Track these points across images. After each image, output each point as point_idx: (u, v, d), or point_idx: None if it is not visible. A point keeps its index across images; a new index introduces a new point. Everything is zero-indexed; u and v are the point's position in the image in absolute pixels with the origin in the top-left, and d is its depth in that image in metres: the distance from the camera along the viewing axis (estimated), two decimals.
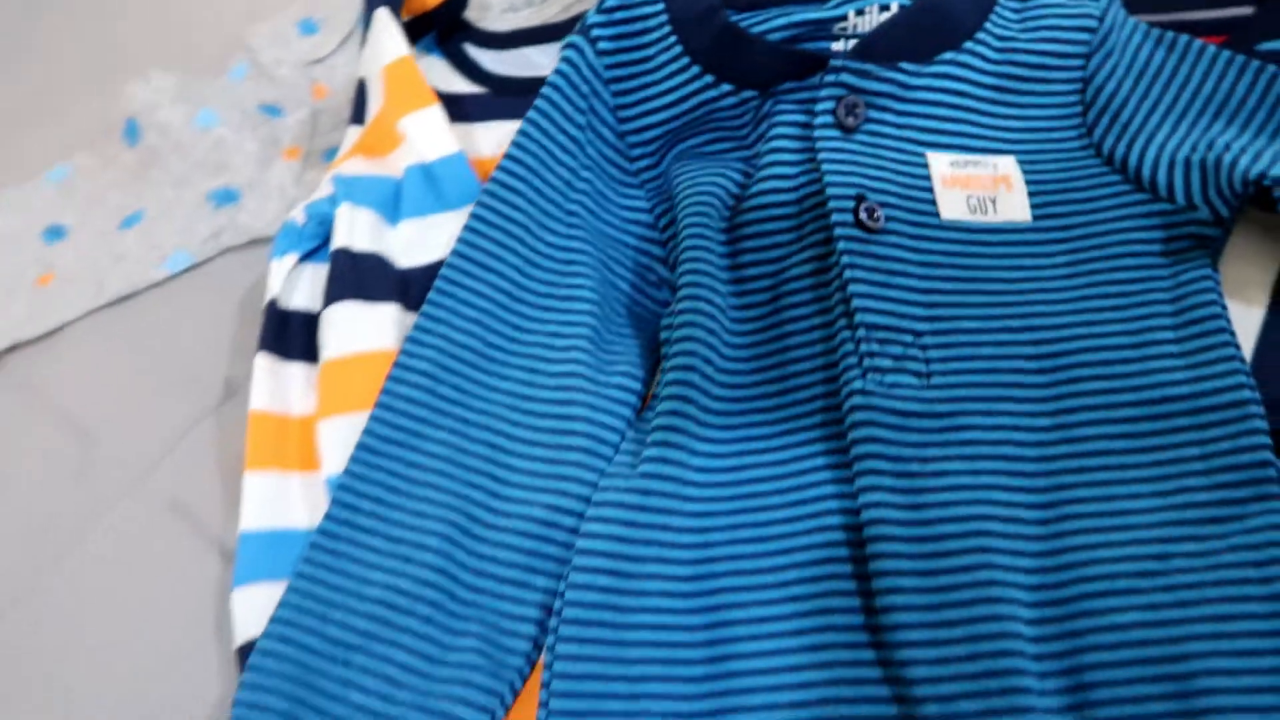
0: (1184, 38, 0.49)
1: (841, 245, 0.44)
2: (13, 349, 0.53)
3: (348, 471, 0.43)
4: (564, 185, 0.49)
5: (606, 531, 0.41)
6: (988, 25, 0.49)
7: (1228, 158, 0.45)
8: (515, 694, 0.41)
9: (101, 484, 0.49)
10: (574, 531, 0.42)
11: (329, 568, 0.42)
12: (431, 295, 0.47)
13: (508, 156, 0.49)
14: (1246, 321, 0.44)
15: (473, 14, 0.59)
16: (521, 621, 0.41)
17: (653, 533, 0.41)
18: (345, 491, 0.43)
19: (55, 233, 0.56)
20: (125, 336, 0.53)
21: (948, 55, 0.48)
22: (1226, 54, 0.48)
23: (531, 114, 0.49)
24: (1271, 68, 0.48)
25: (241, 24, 0.61)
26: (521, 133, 0.49)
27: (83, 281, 0.54)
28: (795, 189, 0.47)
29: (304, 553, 0.42)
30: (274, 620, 0.41)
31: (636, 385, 0.46)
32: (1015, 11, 0.50)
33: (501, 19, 0.60)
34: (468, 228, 0.48)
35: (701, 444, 0.43)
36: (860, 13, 0.49)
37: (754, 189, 0.47)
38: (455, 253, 0.47)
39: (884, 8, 0.49)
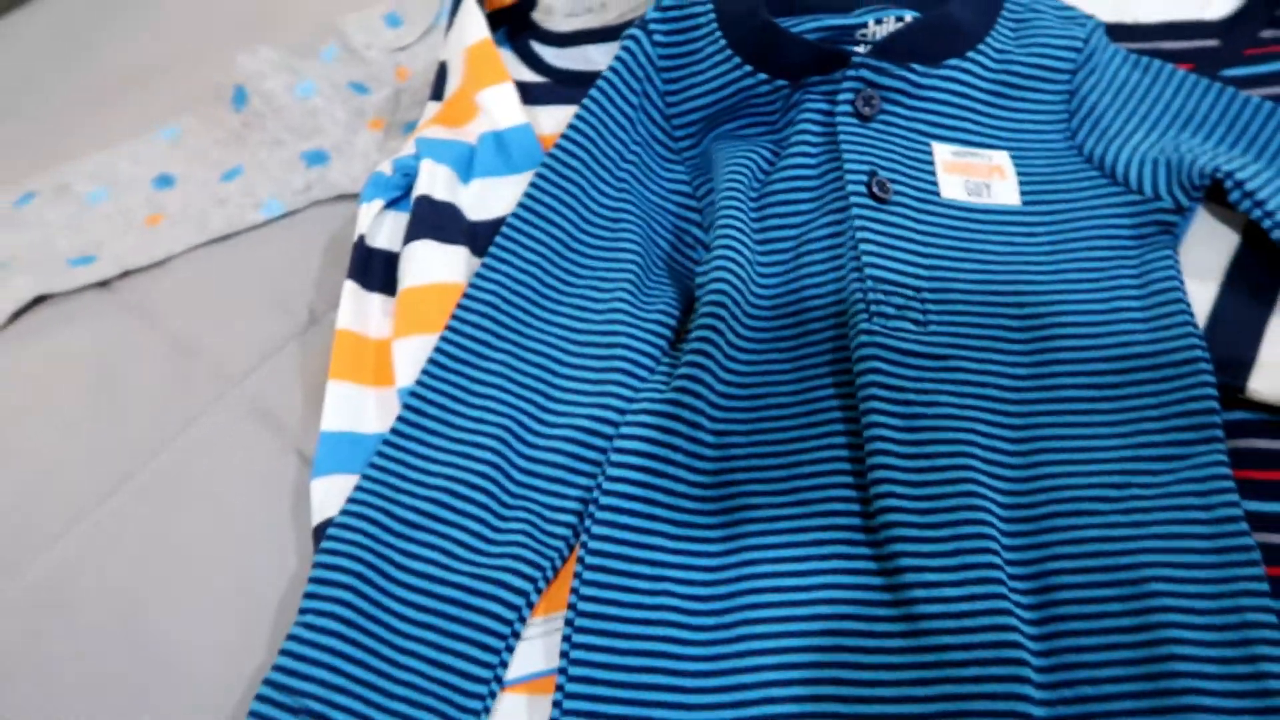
0: (1157, 62, 0.56)
1: (855, 211, 0.51)
2: (124, 275, 0.60)
3: (418, 382, 0.50)
4: (616, 156, 0.56)
5: (641, 434, 0.47)
6: (989, 38, 0.56)
7: (1189, 157, 0.52)
8: (556, 571, 0.47)
9: (198, 391, 0.55)
10: (612, 440, 0.49)
11: (399, 460, 0.48)
12: (498, 239, 0.54)
13: (570, 127, 0.56)
14: (1202, 297, 0.51)
15: (539, 16, 0.66)
16: (563, 512, 0.47)
17: (680, 440, 0.48)
18: (415, 399, 0.50)
19: (164, 180, 0.63)
20: (223, 268, 0.60)
21: (953, 61, 0.55)
22: (1193, 76, 0.56)
23: (592, 93, 0.57)
24: (1230, 89, 0.55)
25: (336, 13, 0.69)
26: (583, 108, 0.56)
27: (187, 222, 0.61)
28: (818, 165, 0.54)
29: (377, 448, 0.49)
30: (349, 501, 0.47)
31: (672, 322, 0.52)
32: (1013, 30, 0.57)
33: (564, 21, 0.67)
34: (532, 185, 0.55)
35: (726, 373, 0.49)
36: (879, 21, 0.56)
37: (782, 163, 0.54)
38: (520, 205, 0.54)
39: (899, 18, 0.56)
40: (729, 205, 0.53)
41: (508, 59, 0.64)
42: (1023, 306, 0.50)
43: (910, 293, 0.50)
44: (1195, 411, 0.47)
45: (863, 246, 0.50)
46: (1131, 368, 0.49)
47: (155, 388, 0.56)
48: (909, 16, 0.56)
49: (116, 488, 0.52)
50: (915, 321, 0.49)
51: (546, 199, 0.55)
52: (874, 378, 0.47)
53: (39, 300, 0.59)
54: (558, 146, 0.56)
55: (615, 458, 0.47)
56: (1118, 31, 0.60)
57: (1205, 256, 0.52)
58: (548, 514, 0.48)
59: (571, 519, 0.47)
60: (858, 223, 0.51)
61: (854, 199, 0.52)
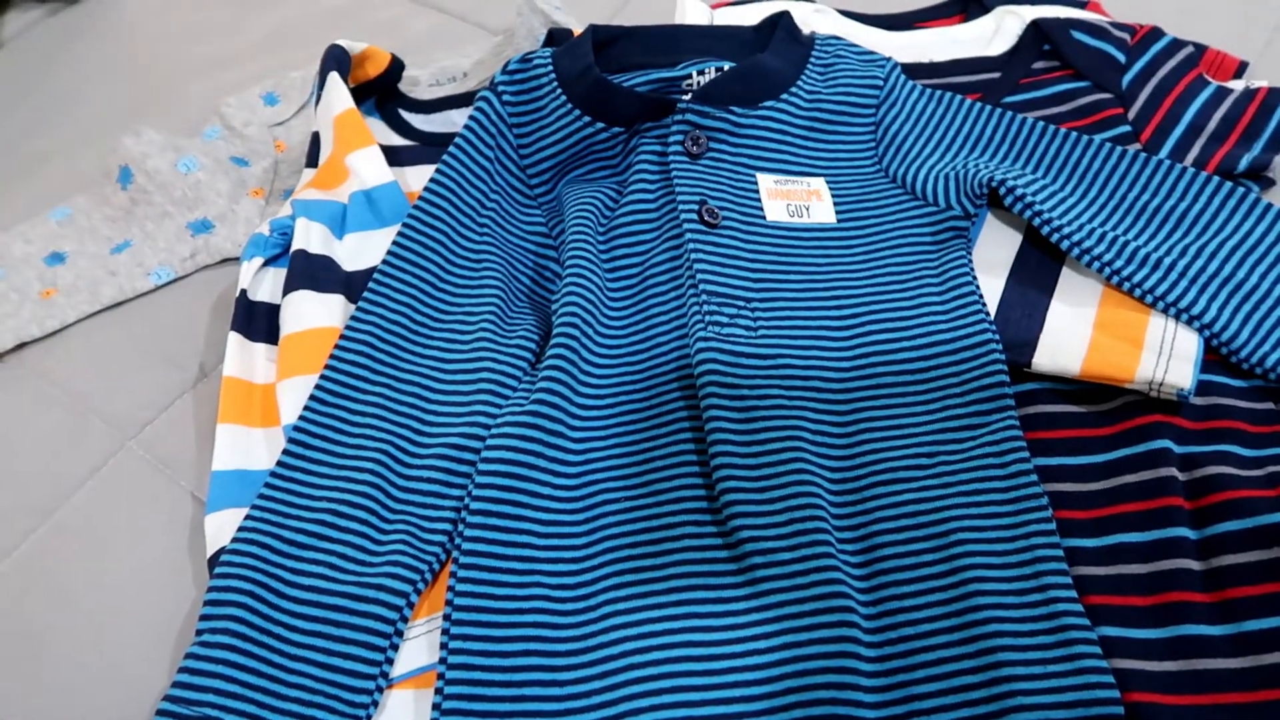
0: (949, 94, 0.64)
1: (689, 236, 0.57)
2: (19, 347, 0.62)
3: (301, 416, 0.53)
4: (476, 204, 0.61)
5: (506, 443, 0.51)
6: (800, 82, 0.62)
7: (971, 171, 0.59)
8: (434, 573, 0.50)
9: (96, 446, 0.57)
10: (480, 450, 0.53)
11: (285, 489, 0.51)
12: (371, 283, 0.58)
13: (432, 180, 0.61)
14: (993, 288, 0.57)
15: (405, 86, 0.71)
16: (439, 522, 0.51)
17: (541, 447, 0.51)
18: (299, 432, 0.53)
19: (56, 258, 0.65)
20: (116, 332, 0.62)
21: (769, 102, 0.61)
22: (979, 104, 0.63)
23: (451, 148, 0.61)
24: (1009, 113, 0.62)
25: (217, 95, 0.73)
26: (443, 162, 0.61)
27: (80, 293, 0.63)
28: (655, 199, 0.59)
29: (265, 480, 0.52)
30: (240, 529, 0.50)
31: (533, 346, 0.56)
32: (820, 74, 0.64)
33: (429, 91, 0.72)
34: (400, 234, 0.59)
35: (582, 385, 0.54)
36: (701, 72, 0.63)
37: (625, 200, 0.59)
38: (390, 252, 0.58)
39: (719, 68, 0.63)
40: (578, 240, 0.58)
41: (377, 126, 0.69)
42: (841, 308, 0.56)
43: (741, 303, 0.55)
44: (989, 385, 0.53)
45: (697, 266, 0.56)
46: (935, 354, 0.54)
47: (54, 446, 0.58)
48: (727, 67, 0.62)
49: (19, 542, 0.54)
50: (746, 328, 0.54)
51: (414, 245, 0.59)
52: (712, 377, 0.52)
53: None
54: (422, 197, 0.60)
55: (483, 467, 0.51)
56: (917, 70, 0.68)
57: (993, 253, 0.58)
58: (424, 524, 0.51)
59: (447, 527, 0.51)
60: (691, 245, 0.56)
61: (687, 225, 0.57)
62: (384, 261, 0.58)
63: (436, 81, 0.73)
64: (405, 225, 0.59)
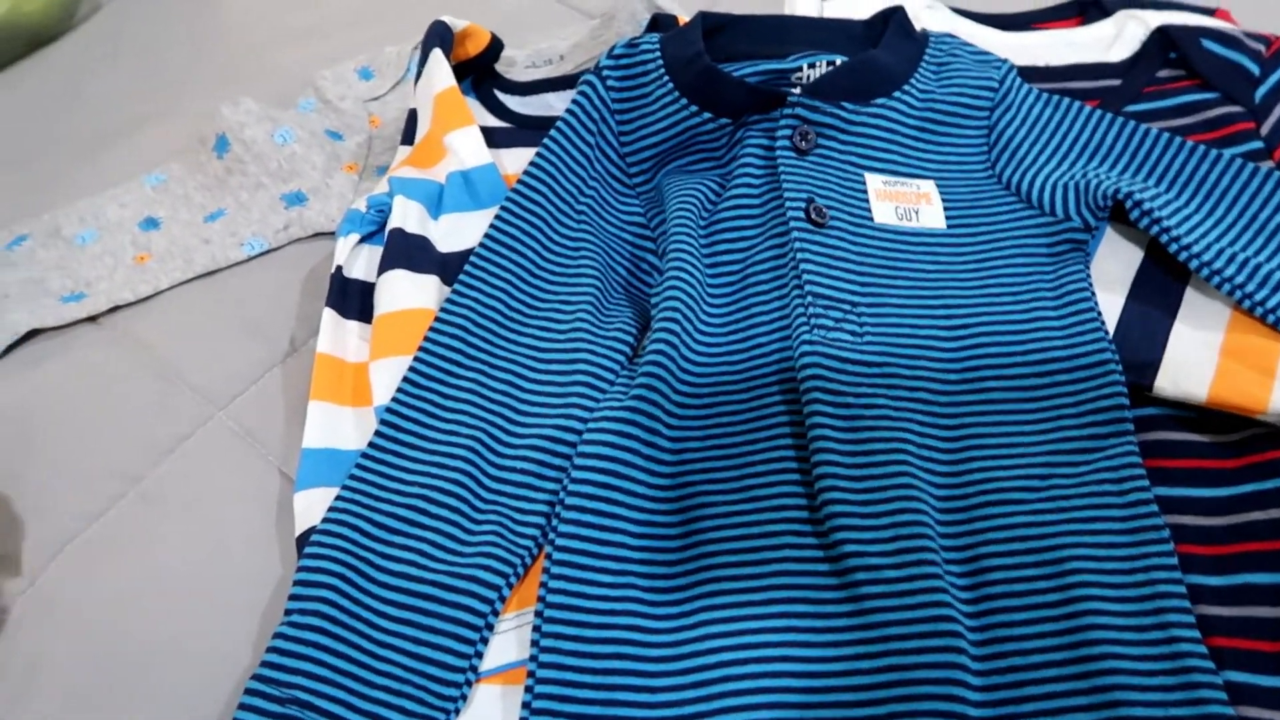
0: (1066, 99, 0.60)
1: (795, 234, 0.54)
2: (113, 310, 0.61)
3: (394, 400, 0.52)
4: (575, 190, 0.59)
5: (603, 439, 0.49)
6: (913, 80, 0.60)
7: (1094, 182, 0.55)
8: (526, 568, 0.48)
9: (185, 416, 0.56)
10: (575, 447, 0.51)
11: (376, 472, 0.50)
12: (466, 267, 0.56)
13: (531, 164, 0.59)
14: (1111, 305, 0.54)
15: (501, 67, 0.69)
16: (532, 514, 0.49)
17: (639, 444, 0.50)
18: (391, 414, 0.52)
19: (150, 223, 0.65)
20: (208, 302, 0.61)
21: (881, 100, 0.59)
22: (1099, 111, 0.60)
23: (552, 133, 0.59)
24: (1131, 122, 0.59)
25: (313, 68, 0.71)
26: (543, 147, 0.59)
27: (173, 259, 0.62)
28: (761, 194, 0.57)
29: (356, 461, 0.50)
30: (330, 510, 0.49)
31: (630, 339, 0.54)
32: (934, 73, 0.61)
33: (525, 72, 0.70)
34: (497, 218, 0.57)
35: (680, 383, 0.52)
36: (812, 65, 0.60)
37: (728, 194, 0.57)
38: (487, 236, 0.57)
39: (831, 62, 0.60)
40: (680, 232, 0.56)
41: (473, 106, 0.67)
42: (950, 317, 0.53)
43: (847, 307, 0.53)
44: (1108, 408, 0.50)
45: (803, 266, 0.53)
46: (1050, 370, 0.51)
47: (144, 413, 0.57)
48: (839, 61, 0.60)
49: (107, 507, 0.53)
50: (852, 333, 0.52)
51: (511, 230, 0.57)
52: (816, 383, 0.49)
53: (33, 334, 0.60)
54: (520, 182, 0.58)
55: (579, 461, 0.49)
56: (1031, 74, 0.65)
57: (1113, 269, 0.55)
58: (517, 516, 0.49)
59: (539, 520, 0.49)
60: (798, 244, 0.54)
61: (794, 224, 0.55)
62: (480, 246, 0.56)
63: (533, 63, 0.71)
64: (502, 209, 0.57)
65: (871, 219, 0.56)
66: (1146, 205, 0.54)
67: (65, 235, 0.64)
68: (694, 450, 0.51)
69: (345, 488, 0.49)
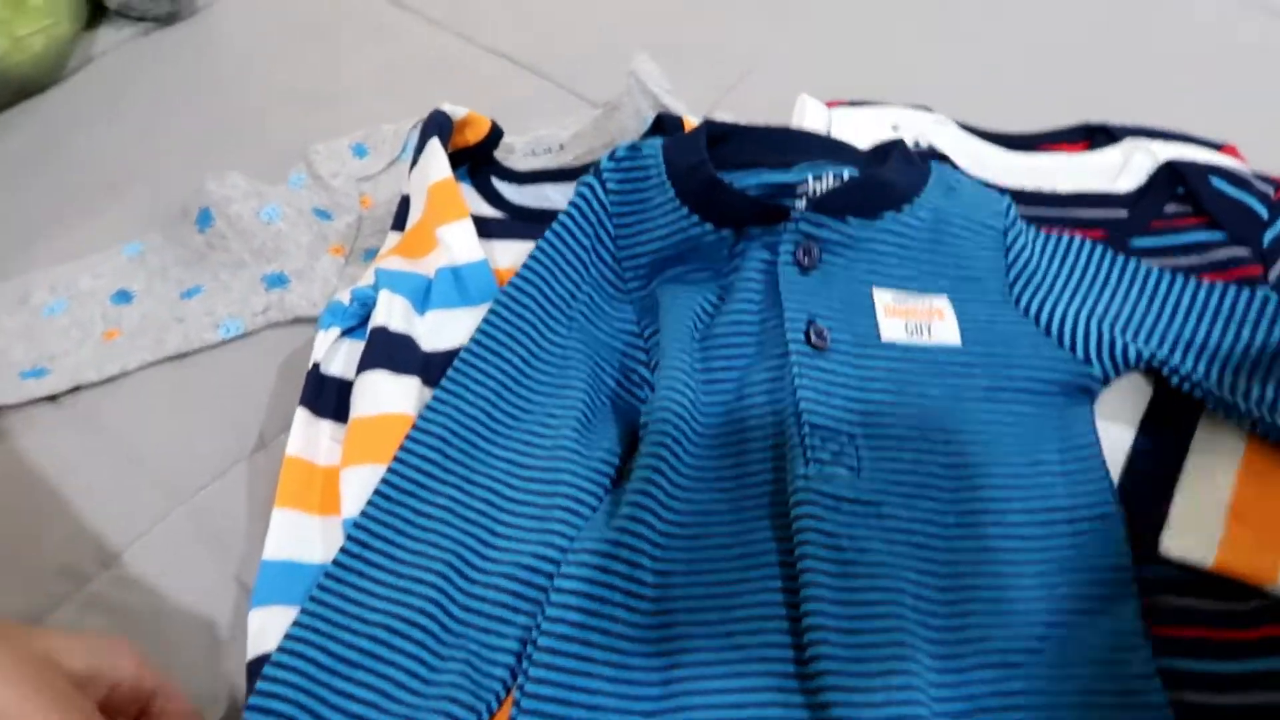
0: (1079, 239, 0.58)
1: (794, 359, 0.52)
2: (76, 389, 0.58)
3: (363, 514, 0.49)
4: (568, 295, 0.57)
5: (580, 574, 0.46)
6: (922, 195, 0.57)
7: (1121, 339, 0.53)
8: (491, 713, 0.45)
9: (143, 510, 0.53)
10: (554, 578, 0.48)
11: (339, 594, 0.47)
12: (450, 373, 0.53)
13: (525, 266, 0.56)
14: (1116, 443, 0.52)
15: (499, 154, 0.67)
16: (502, 652, 0.46)
17: (619, 579, 0.47)
18: (360, 530, 0.48)
19: (123, 296, 0.62)
20: (176, 386, 0.58)
21: (890, 214, 0.56)
22: (1110, 250, 0.57)
23: (548, 234, 0.57)
24: (1144, 264, 0.57)
25: (305, 141, 0.69)
26: (538, 248, 0.57)
27: (144, 337, 0.59)
28: (759, 312, 0.54)
29: (319, 580, 0.47)
30: (287, 637, 0.45)
31: (615, 460, 0.52)
32: (942, 192, 0.59)
33: (524, 160, 0.68)
34: (486, 320, 0.55)
35: (667, 512, 0.49)
36: (818, 178, 0.57)
37: (726, 309, 0.55)
38: (473, 340, 0.54)
39: (838, 176, 0.58)
40: (675, 348, 0.53)
41: (468, 193, 0.65)
42: (951, 455, 0.51)
43: (845, 439, 0.50)
44: (1111, 568, 0.47)
45: (800, 394, 0.51)
46: (1050, 521, 0.49)
47: (100, 505, 0.53)
48: (846, 174, 0.58)
49: (51, 609, 0.50)
50: (850, 468, 0.49)
51: (498, 334, 0.54)
52: (810, 523, 0.47)
53: None
54: (512, 284, 0.56)
55: (554, 597, 0.46)
56: (1037, 198, 0.63)
57: (1120, 401, 0.53)
58: (485, 654, 0.46)
59: (509, 659, 0.46)
60: (796, 370, 0.52)
61: (792, 346, 0.52)
62: (466, 349, 0.54)
63: (532, 151, 0.69)
64: (492, 311, 0.55)
65: (878, 337, 0.54)
66: (1183, 370, 0.52)
67: (33, 304, 0.61)
68: (677, 588, 0.48)
69: (304, 611, 0.46)
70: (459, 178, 0.64)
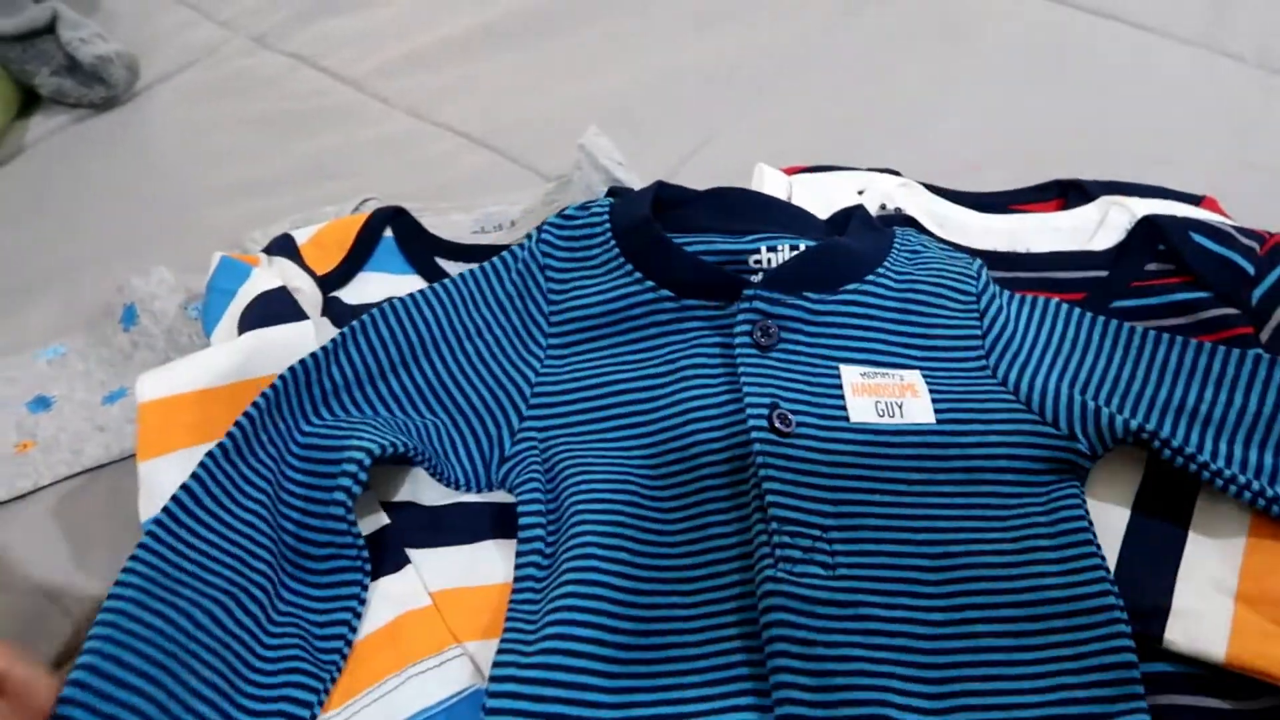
0: (1056, 302, 0.55)
1: (757, 447, 0.48)
2: None
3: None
4: (471, 328, 0.54)
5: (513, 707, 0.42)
6: (886, 263, 0.54)
7: (1105, 410, 0.49)
8: (335, 680, 0.45)
9: (52, 642, 0.49)
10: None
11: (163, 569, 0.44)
12: (320, 348, 0.52)
13: (440, 284, 0.55)
14: (1110, 526, 0.48)
15: (446, 231, 0.64)
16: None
17: (572, 698, 0.42)
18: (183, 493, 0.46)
19: (41, 402, 0.58)
20: (94, 501, 0.54)
21: (853, 285, 0.53)
22: (1088, 313, 0.54)
23: (475, 269, 0.56)
24: (1127, 327, 0.54)
25: (244, 228, 0.65)
26: (460, 276, 0.56)
27: (60, 450, 0.55)
28: (718, 395, 0.50)
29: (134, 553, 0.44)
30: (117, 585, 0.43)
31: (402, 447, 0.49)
32: (908, 258, 0.55)
33: (472, 238, 0.65)
34: (377, 308, 0.53)
35: (618, 620, 0.44)
36: (772, 249, 0.54)
37: (678, 393, 0.51)
38: (358, 321, 0.53)
39: (794, 247, 0.54)
40: (610, 423, 0.51)
41: (409, 279, 0.61)
42: (934, 545, 0.47)
43: (817, 532, 0.46)
44: (1113, 665, 0.43)
45: (766, 485, 0.47)
46: (1046, 614, 0.45)
47: (9, 633, 0.49)
48: (802, 245, 0.54)
49: None
50: (823, 564, 0.45)
51: (381, 327, 0.53)
52: (781, 630, 0.43)
53: None
54: (420, 293, 0.55)
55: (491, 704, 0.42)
56: (1012, 260, 0.60)
57: (1111, 478, 0.50)
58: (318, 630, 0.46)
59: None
60: (760, 459, 0.48)
61: (755, 434, 0.48)
62: (347, 327, 0.52)
63: (481, 228, 0.66)
64: (388, 304, 0.54)
65: (847, 419, 0.50)
66: (1175, 443, 0.48)
67: None
68: (640, 705, 0.43)
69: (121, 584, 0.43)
70: (398, 270, 0.61)
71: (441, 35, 0.85)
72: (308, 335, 0.53)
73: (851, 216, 0.56)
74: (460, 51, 0.83)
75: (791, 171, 0.65)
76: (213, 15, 0.89)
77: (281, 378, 0.50)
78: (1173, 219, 0.59)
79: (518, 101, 0.79)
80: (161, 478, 0.48)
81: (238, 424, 0.48)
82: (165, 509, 0.45)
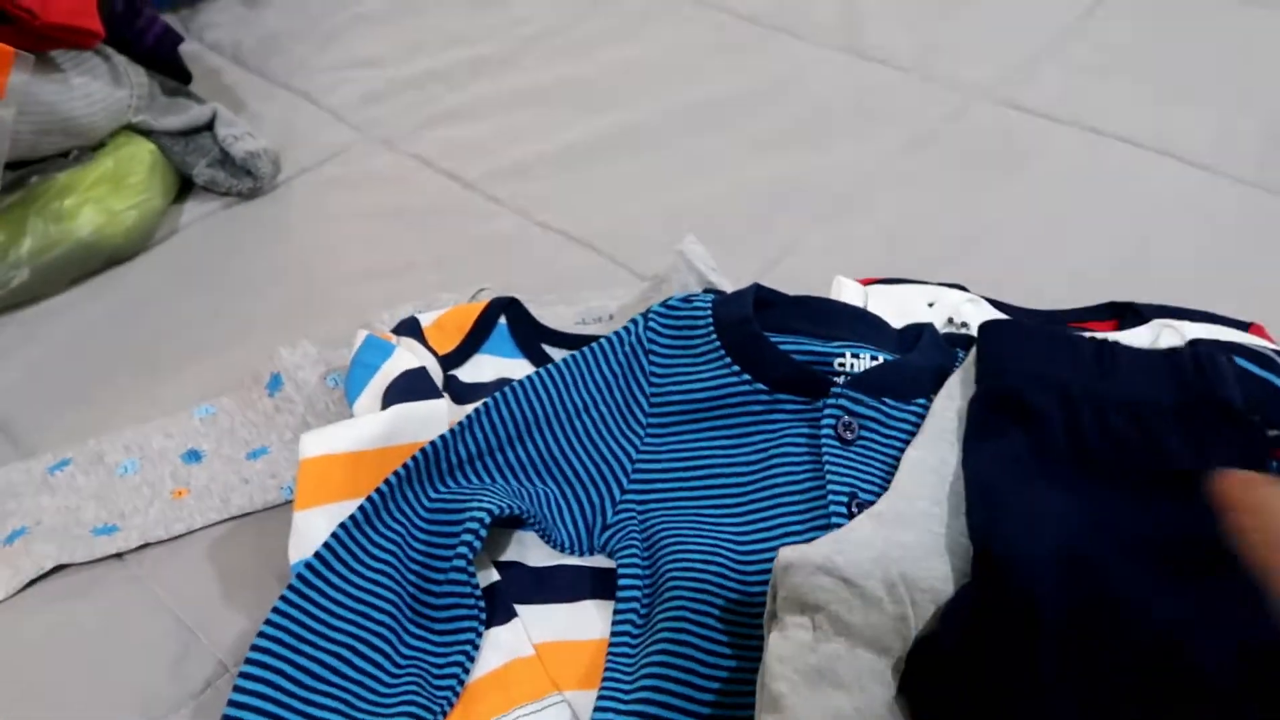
0: None
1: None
2: (144, 547, 0.60)
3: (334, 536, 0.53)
4: (579, 405, 0.60)
5: None
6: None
7: None
8: (445, 715, 0.49)
9: (198, 671, 0.54)
10: None
11: (304, 610, 0.51)
12: (446, 431, 0.57)
13: (551, 367, 0.60)
14: None
15: (551, 321, 0.71)
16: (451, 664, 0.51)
17: None
18: (325, 550, 0.53)
19: (193, 455, 0.65)
20: (240, 545, 0.60)
21: (921, 400, 0.59)
22: None
23: (583, 350, 0.61)
24: None
25: (372, 309, 0.72)
26: (570, 358, 0.61)
27: (211, 498, 0.62)
28: (802, 480, 0.56)
29: (283, 595, 0.51)
30: (253, 648, 0.49)
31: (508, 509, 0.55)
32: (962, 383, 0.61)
33: (574, 329, 0.72)
34: (495, 396, 0.59)
35: (710, 682, 0.49)
36: (855, 355, 0.60)
37: (769, 475, 0.56)
38: (478, 409, 0.58)
39: (874, 357, 0.60)
40: (708, 500, 0.56)
41: (519, 364, 0.68)
42: None
43: None
44: None
45: None
46: None
47: (157, 666, 0.54)
48: (881, 358, 0.60)
49: None
50: None
51: (502, 410, 0.58)
52: None
53: (60, 566, 0.59)
54: (530, 378, 0.60)
55: None
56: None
57: None
58: (436, 667, 0.51)
59: (458, 670, 0.50)
60: None
61: (835, 519, 0.54)
62: (467, 417, 0.58)
63: (583, 320, 0.73)
64: (507, 391, 0.59)
65: None
66: None
67: (108, 463, 0.64)
68: None
69: (269, 623, 0.50)
70: (508, 354, 0.68)
71: (547, 146, 0.93)
72: (442, 411, 0.59)
73: (923, 334, 0.62)
74: (563, 161, 0.92)
75: (867, 283, 0.71)
76: (346, 119, 0.99)
77: (414, 456, 0.55)
78: (1218, 343, 0.64)
79: (614, 208, 0.86)
80: (312, 527, 0.54)
81: (377, 490, 0.54)
82: (308, 563, 0.52)
